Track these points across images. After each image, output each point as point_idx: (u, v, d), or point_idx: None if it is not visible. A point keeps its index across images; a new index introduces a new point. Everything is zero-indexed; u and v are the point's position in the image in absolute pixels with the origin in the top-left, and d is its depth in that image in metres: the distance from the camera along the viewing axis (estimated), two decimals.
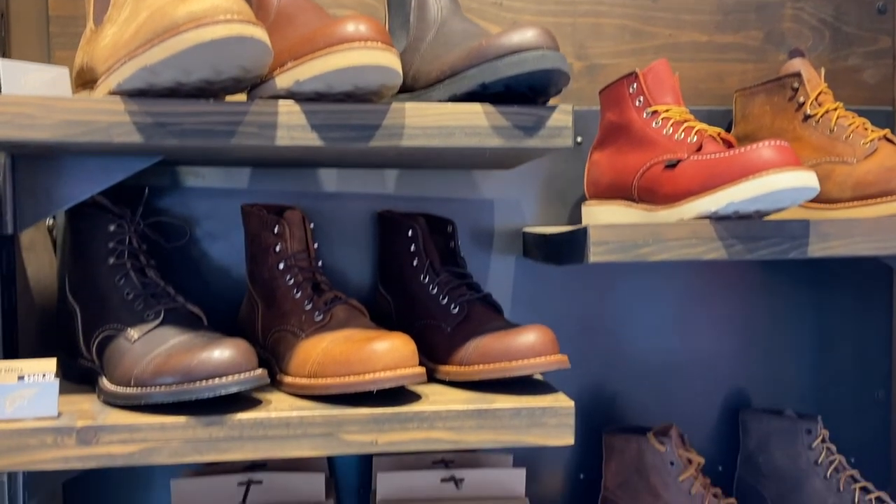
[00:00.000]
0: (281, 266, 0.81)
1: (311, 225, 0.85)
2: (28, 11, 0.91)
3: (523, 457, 1.00)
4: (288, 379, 0.74)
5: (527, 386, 0.78)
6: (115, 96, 0.64)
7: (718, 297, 1.09)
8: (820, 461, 0.97)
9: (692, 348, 1.09)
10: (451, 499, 0.86)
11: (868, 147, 0.83)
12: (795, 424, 1.00)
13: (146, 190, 0.80)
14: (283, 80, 0.67)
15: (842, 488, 0.95)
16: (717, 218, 0.75)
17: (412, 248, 0.87)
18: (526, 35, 0.69)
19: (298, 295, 0.79)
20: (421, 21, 0.79)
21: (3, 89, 0.66)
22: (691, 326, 1.09)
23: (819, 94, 0.90)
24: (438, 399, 0.72)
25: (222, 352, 0.65)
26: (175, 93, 0.64)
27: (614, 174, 0.88)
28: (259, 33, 0.60)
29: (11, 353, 0.77)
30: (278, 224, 0.81)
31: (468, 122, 0.68)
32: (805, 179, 0.70)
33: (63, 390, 0.72)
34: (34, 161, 0.75)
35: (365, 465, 1.02)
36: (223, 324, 0.79)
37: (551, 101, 0.74)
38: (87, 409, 0.68)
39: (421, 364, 0.71)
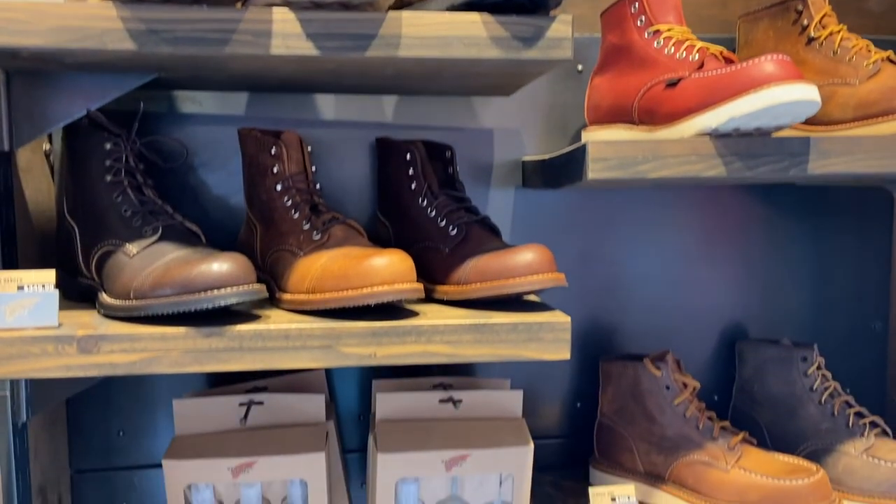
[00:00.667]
0: (278, 187, 0.81)
1: (309, 148, 0.85)
2: None
3: (520, 386, 1.01)
4: (286, 296, 0.74)
5: (524, 305, 0.78)
6: (108, 2, 0.63)
7: (717, 227, 1.09)
8: (815, 388, 0.98)
9: (690, 279, 1.09)
10: (450, 419, 0.87)
11: (871, 68, 0.82)
12: (791, 352, 1.01)
13: (141, 105, 0.79)
14: None
15: (836, 413, 0.96)
16: (717, 136, 0.74)
17: (410, 171, 0.86)
18: None
19: (296, 215, 0.79)
20: None
21: None
22: (690, 257, 1.09)
23: (823, 16, 0.88)
24: (436, 315, 0.72)
25: (221, 264, 0.66)
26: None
27: (615, 97, 0.87)
28: None
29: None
30: (275, 145, 0.81)
31: (466, 33, 0.67)
32: (806, 92, 0.70)
33: (63, 307, 0.73)
34: (29, 78, 0.74)
35: (365, 392, 1.03)
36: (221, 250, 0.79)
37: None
38: (87, 321, 0.68)
39: None
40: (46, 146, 0.89)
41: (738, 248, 1.10)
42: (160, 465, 0.93)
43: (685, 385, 0.95)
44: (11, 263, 0.77)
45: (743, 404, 1.05)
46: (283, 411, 0.87)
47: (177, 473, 0.82)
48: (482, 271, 0.76)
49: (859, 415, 0.96)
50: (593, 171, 0.73)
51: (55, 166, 0.92)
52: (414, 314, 0.73)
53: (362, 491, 1.04)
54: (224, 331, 0.66)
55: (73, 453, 0.96)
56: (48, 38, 0.62)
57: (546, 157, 0.90)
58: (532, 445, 0.84)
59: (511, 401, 0.89)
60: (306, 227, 0.78)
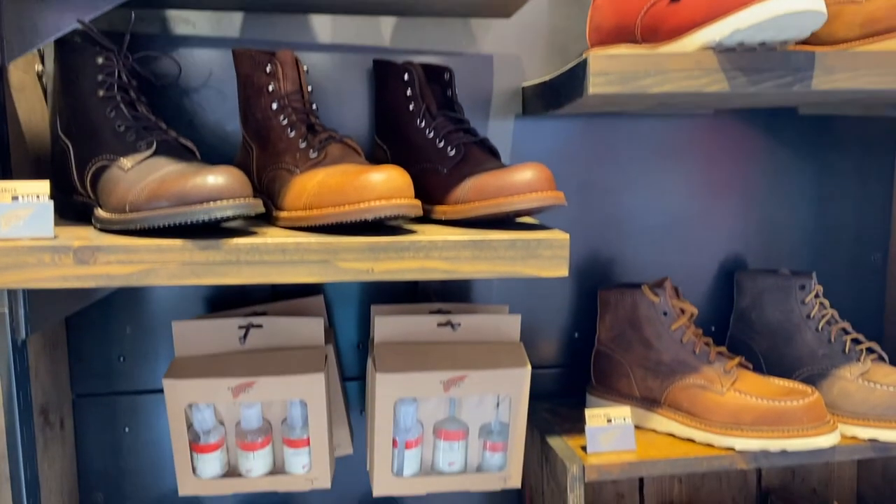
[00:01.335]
0: (274, 106, 0.80)
1: (305, 67, 0.83)
2: None
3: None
4: (283, 214, 0.74)
5: (522, 226, 0.78)
6: None
7: (719, 158, 1.08)
8: (812, 315, 0.99)
9: (690, 210, 1.09)
10: (448, 342, 0.88)
11: None
12: (789, 281, 1.01)
13: (132, 15, 0.77)
14: None
15: (833, 340, 0.97)
16: (721, 50, 0.73)
17: (408, 92, 0.85)
18: None
19: (293, 134, 0.78)
20: None
21: None
22: (690, 188, 1.08)
23: None
24: (434, 233, 0.72)
25: (216, 177, 0.65)
26: None
27: (617, 17, 0.85)
28: None
29: None
30: (270, 63, 0.79)
31: None
32: (812, 3, 0.68)
33: (59, 224, 0.72)
34: None
35: (364, 321, 1.04)
36: None
37: None
38: (83, 234, 0.68)
39: None
40: (39, 67, 0.88)
41: (739, 179, 1.09)
42: (161, 391, 0.94)
43: (682, 311, 0.95)
44: (5, 178, 0.77)
45: (740, 333, 1.05)
46: (282, 334, 0.88)
47: (177, 393, 0.82)
48: (480, 190, 0.75)
49: (856, 341, 0.97)
50: (594, 86, 0.71)
51: (48, 89, 0.90)
52: (412, 231, 0.72)
53: (362, 418, 1.05)
54: (221, 244, 0.66)
55: (74, 378, 0.97)
56: None
57: (546, 78, 0.88)
58: (529, 367, 0.85)
59: (509, 325, 0.89)
60: (303, 145, 0.77)
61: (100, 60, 0.74)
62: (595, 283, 1.07)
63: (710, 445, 0.89)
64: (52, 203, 0.64)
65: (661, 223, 1.08)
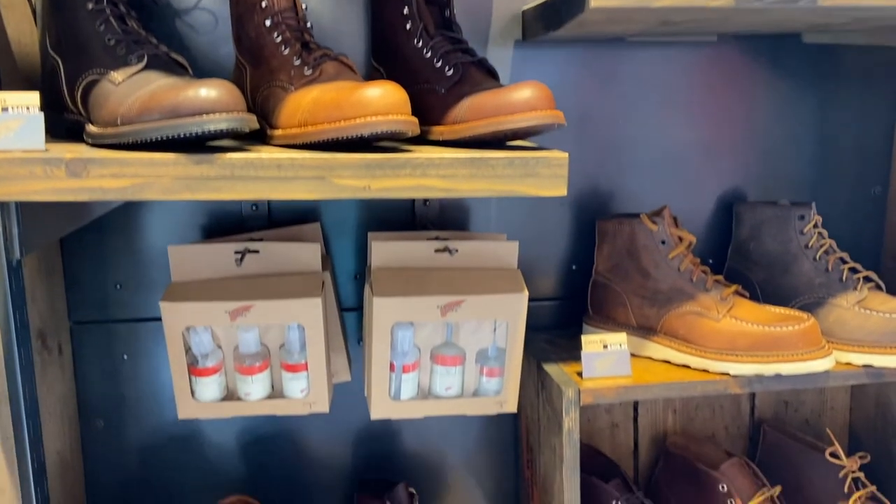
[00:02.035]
0: (268, 23, 0.78)
1: None
2: None
3: None
4: (278, 132, 0.73)
5: (521, 147, 0.77)
6: None
7: (720, 87, 1.07)
8: (810, 245, 0.98)
9: (690, 141, 1.08)
10: (445, 268, 0.88)
11: None
12: (788, 211, 1.00)
13: None
14: None
15: (830, 269, 0.97)
16: None
17: (405, 11, 0.83)
18: None
19: (286, 52, 0.77)
20: None
21: None
22: (691, 118, 1.07)
23: None
24: (432, 151, 0.71)
25: (209, 90, 0.64)
26: None
27: None
28: None
29: None
30: None
31: None
32: None
33: (49, 141, 0.71)
34: None
35: (361, 252, 1.03)
36: None
37: None
38: (75, 149, 0.67)
39: None
40: None
41: (740, 110, 1.08)
42: (159, 319, 0.94)
43: (680, 239, 0.95)
44: None
45: (737, 264, 1.05)
46: (279, 260, 0.87)
47: (174, 316, 0.83)
48: (478, 109, 0.74)
49: (853, 270, 0.97)
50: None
51: (37, 9, 0.88)
52: (409, 150, 0.71)
53: (360, 348, 1.06)
54: (215, 158, 0.65)
55: (70, 305, 0.97)
56: None
57: None
58: (527, 293, 0.85)
59: (507, 252, 0.89)
60: (297, 62, 0.75)
61: None
62: (593, 215, 1.07)
63: (705, 371, 0.89)
64: (42, 115, 0.63)
65: (660, 155, 1.07)
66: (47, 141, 0.65)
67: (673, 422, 1.14)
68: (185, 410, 0.87)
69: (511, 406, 0.90)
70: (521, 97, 0.72)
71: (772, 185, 1.10)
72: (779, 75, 1.07)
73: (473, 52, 0.82)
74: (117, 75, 0.68)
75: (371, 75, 0.90)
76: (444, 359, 0.89)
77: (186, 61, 0.75)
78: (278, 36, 0.77)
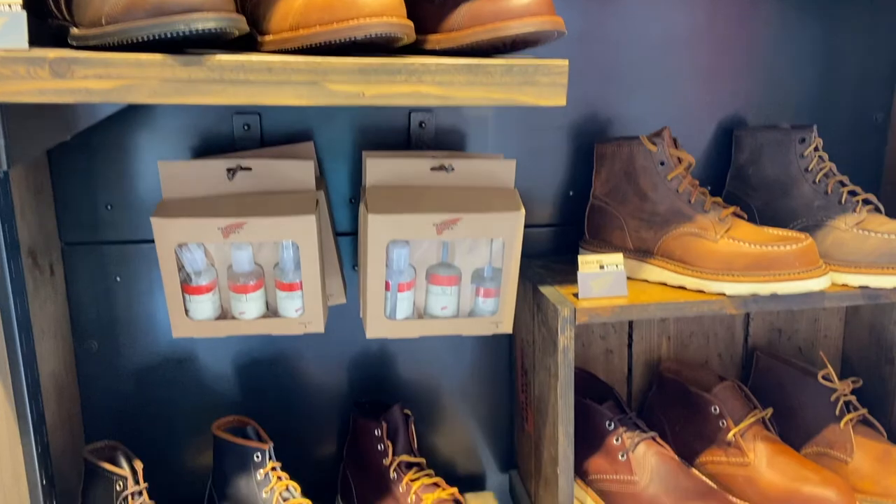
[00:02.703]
0: None
1: None
2: None
3: None
4: (269, 37, 0.70)
5: (519, 55, 0.75)
6: None
7: (723, 10, 1.04)
8: (810, 168, 0.97)
9: (692, 63, 1.05)
10: (442, 186, 0.86)
11: None
12: (789, 135, 0.99)
13: None
14: None
15: (830, 192, 0.96)
16: None
17: None
18: None
19: None
20: None
21: None
22: (693, 41, 1.05)
23: None
24: (428, 58, 0.69)
25: None
26: None
27: None
28: None
29: None
30: None
31: None
32: None
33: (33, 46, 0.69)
34: None
35: (356, 175, 1.02)
36: None
37: None
38: (59, 50, 0.64)
39: None
40: None
41: (744, 34, 1.05)
42: (151, 241, 0.93)
43: (679, 160, 0.93)
44: None
45: (736, 189, 1.04)
46: (272, 178, 0.86)
47: (166, 232, 0.81)
48: (475, 15, 0.71)
49: (853, 193, 0.96)
50: None
51: None
52: (405, 57, 0.69)
53: (355, 273, 1.05)
54: (203, 60, 0.63)
55: (61, 226, 0.95)
56: None
57: None
58: (523, 211, 0.84)
59: (504, 170, 0.88)
60: None
61: None
62: (591, 139, 1.05)
63: (700, 292, 0.89)
64: (24, 13, 0.60)
65: (662, 76, 1.05)
66: (32, 45, 0.63)
67: (667, 349, 1.14)
68: (180, 329, 0.87)
69: (507, 327, 0.90)
70: (519, 2, 0.70)
71: (772, 110, 1.09)
72: None
73: None
74: None
75: None
76: (440, 279, 0.88)
77: None
78: None
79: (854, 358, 1.15)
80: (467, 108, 1.02)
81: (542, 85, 0.68)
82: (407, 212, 0.82)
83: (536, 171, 1.06)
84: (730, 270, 0.87)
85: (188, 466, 1.06)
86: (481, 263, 0.89)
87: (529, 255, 1.06)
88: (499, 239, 0.87)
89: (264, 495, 0.90)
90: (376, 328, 0.88)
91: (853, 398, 1.02)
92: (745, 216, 0.93)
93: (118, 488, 0.86)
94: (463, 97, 0.68)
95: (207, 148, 0.97)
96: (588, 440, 0.98)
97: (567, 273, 0.98)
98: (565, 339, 0.86)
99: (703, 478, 0.95)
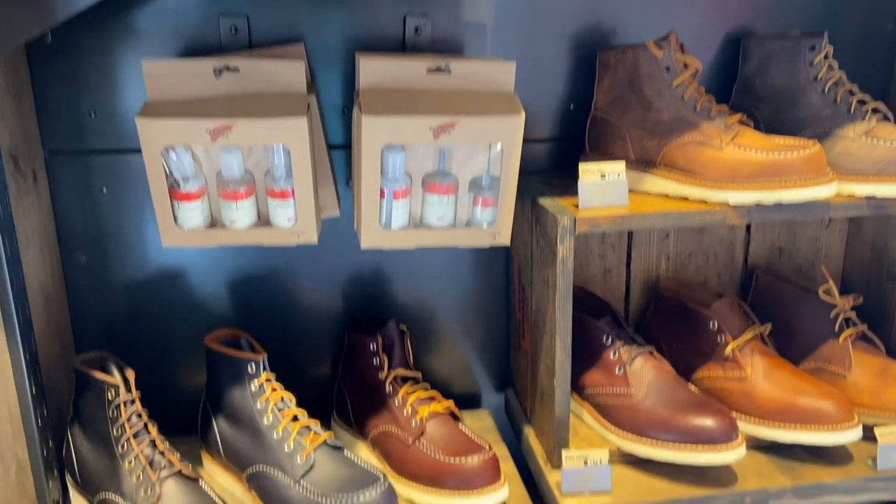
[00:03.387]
0: None
1: None
2: None
3: None
4: None
5: None
6: None
7: None
8: (819, 77, 0.94)
9: None
10: (439, 90, 0.83)
11: None
12: (799, 43, 0.95)
13: None
14: None
15: (839, 101, 0.93)
16: None
17: None
18: None
19: None
20: None
21: None
22: None
23: None
24: None
25: None
26: None
27: None
28: None
29: None
30: None
31: None
32: None
33: None
34: None
35: (349, 83, 0.98)
36: None
37: None
38: None
39: None
40: None
41: None
42: (137, 151, 0.90)
43: (686, 66, 0.90)
44: None
45: (742, 101, 1.01)
46: (261, 79, 0.82)
47: (152, 134, 0.78)
48: None
49: (862, 102, 0.93)
50: None
51: None
52: None
53: (348, 189, 1.02)
54: None
55: (43, 133, 0.92)
56: None
57: None
58: (523, 115, 0.81)
59: (503, 73, 0.84)
60: None
61: None
62: (593, 50, 1.01)
63: (703, 202, 0.87)
64: None
65: None
66: None
67: (666, 268, 1.13)
68: (169, 238, 0.84)
69: (504, 238, 0.88)
70: None
71: (781, 19, 1.04)
72: None
73: None
74: None
75: None
76: (436, 187, 0.86)
77: None
78: None
79: (854, 276, 1.14)
80: (465, 11, 0.97)
81: None
82: (403, 114, 0.79)
83: (536, 82, 1.02)
84: (734, 179, 0.84)
85: (181, 382, 1.05)
86: (479, 172, 0.86)
87: (529, 170, 1.02)
88: (497, 146, 0.84)
89: (259, 406, 0.89)
90: (371, 238, 0.86)
91: (853, 314, 1.01)
92: (752, 124, 0.90)
93: (110, 397, 0.85)
94: None
95: (193, 52, 0.93)
96: (585, 355, 0.97)
97: (567, 187, 0.95)
98: (564, 250, 0.84)
99: (699, 391, 0.94)
